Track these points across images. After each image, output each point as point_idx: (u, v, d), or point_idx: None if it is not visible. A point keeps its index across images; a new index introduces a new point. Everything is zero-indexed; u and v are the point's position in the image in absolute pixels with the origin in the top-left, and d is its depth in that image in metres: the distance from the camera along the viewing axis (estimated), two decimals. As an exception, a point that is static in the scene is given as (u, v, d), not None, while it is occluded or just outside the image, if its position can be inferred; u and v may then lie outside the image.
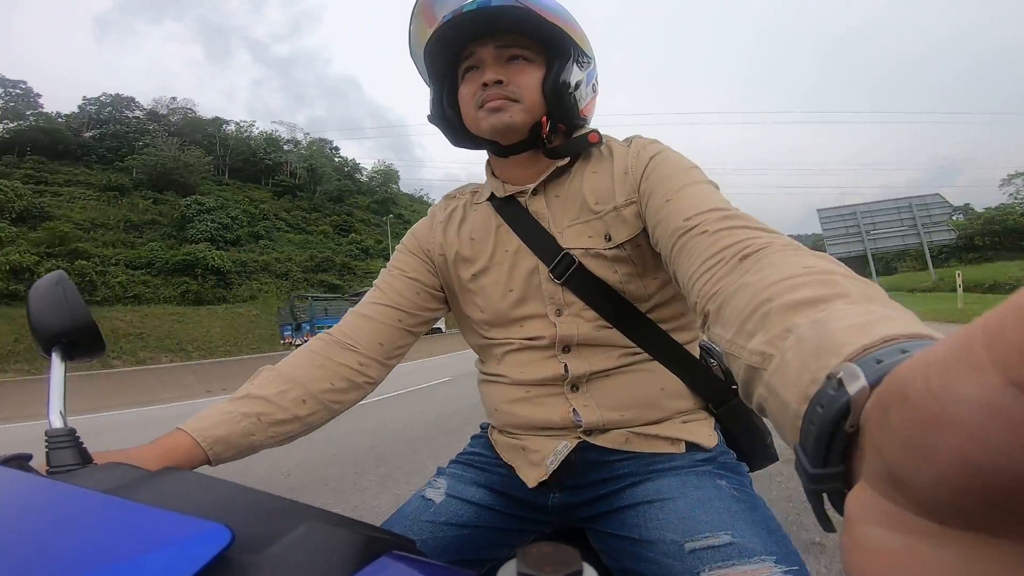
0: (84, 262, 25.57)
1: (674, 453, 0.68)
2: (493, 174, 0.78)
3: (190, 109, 55.12)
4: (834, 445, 0.21)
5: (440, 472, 0.79)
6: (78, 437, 0.48)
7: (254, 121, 62.26)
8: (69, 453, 0.47)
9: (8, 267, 23.12)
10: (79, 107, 48.48)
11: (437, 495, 0.73)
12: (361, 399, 0.75)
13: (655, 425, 0.68)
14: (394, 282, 0.78)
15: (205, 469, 0.59)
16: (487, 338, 0.76)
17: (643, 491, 0.65)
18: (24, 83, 45.48)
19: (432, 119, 0.77)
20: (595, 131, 0.73)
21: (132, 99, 51.80)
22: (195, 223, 33.99)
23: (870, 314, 0.27)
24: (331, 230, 45.62)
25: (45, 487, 0.37)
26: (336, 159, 63.05)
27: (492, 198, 0.77)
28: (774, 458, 0.79)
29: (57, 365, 0.51)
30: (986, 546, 0.14)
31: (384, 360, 0.75)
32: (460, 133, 0.76)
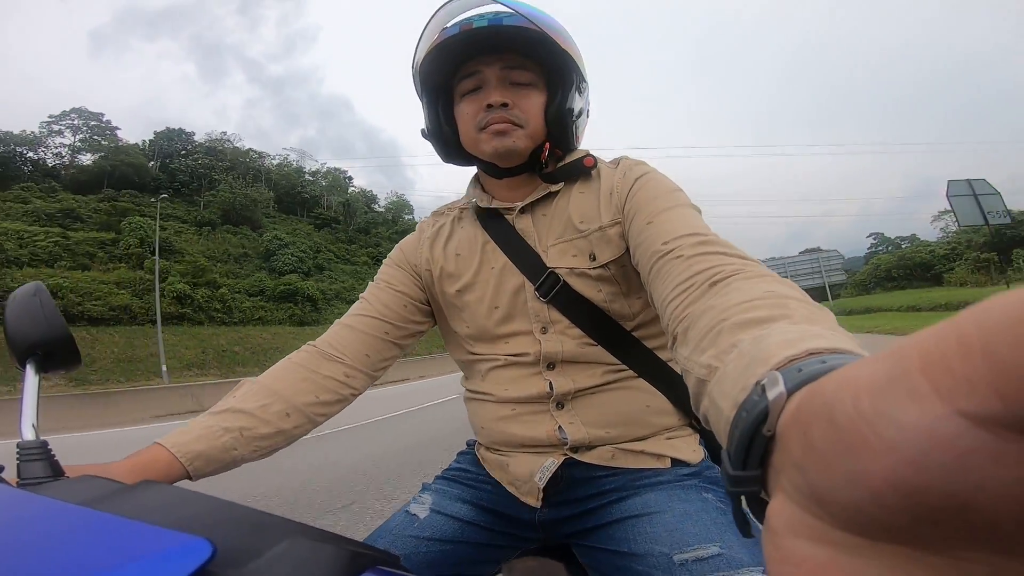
0: (223, 290, 32.67)
1: (660, 468, 0.68)
2: (482, 188, 0.79)
3: (236, 143, 60.80)
4: (753, 448, 0.22)
5: (425, 488, 0.78)
6: (50, 450, 0.47)
7: (288, 153, 67.66)
8: (40, 466, 0.45)
9: (174, 294, 30.14)
10: (150, 141, 54.16)
11: (422, 510, 0.72)
12: (344, 409, 0.76)
13: (640, 441, 0.69)
14: (381, 294, 0.79)
15: (185, 484, 0.58)
16: (472, 353, 0.77)
17: (630, 506, 0.65)
18: (103, 115, 51.31)
19: (426, 134, 0.77)
20: (589, 155, 0.75)
21: (192, 133, 57.75)
22: (278, 256, 41.05)
23: (805, 332, 0.29)
24: (369, 260, 52.67)
25: (17, 499, 0.36)
26: (351, 189, 68.32)
27: (477, 208, 0.77)
28: None
29: (31, 377, 0.51)
30: (912, 560, 0.14)
31: (370, 371, 0.76)
32: (453, 149, 0.76)
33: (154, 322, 28.09)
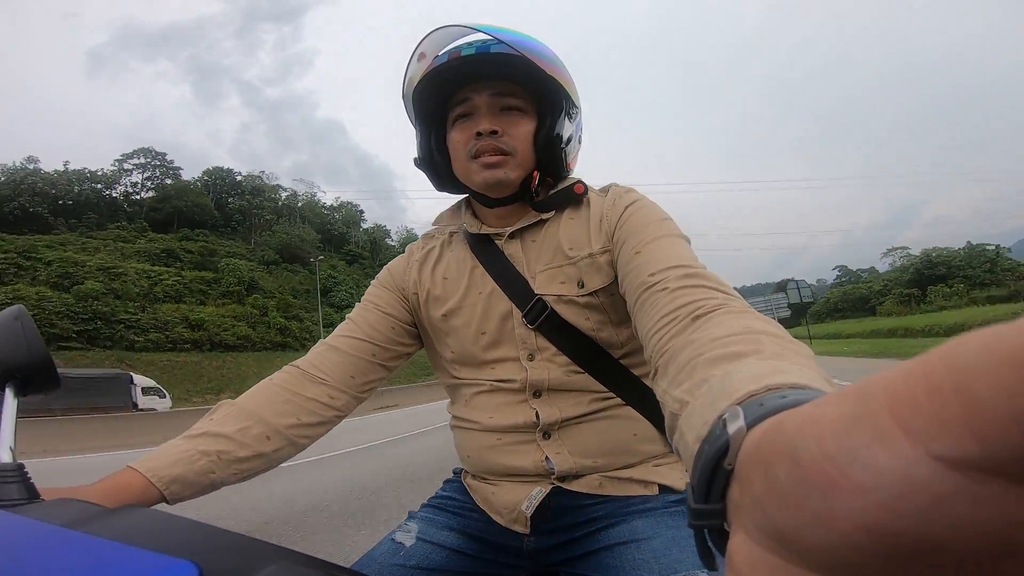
0: (307, 323, 39.71)
1: (648, 495, 0.68)
2: (473, 213, 0.78)
3: (270, 182, 65.94)
4: (715, 482, 0.22)
5: (412, 516, 0.77)
6: (26, 472, 0.47)
7: (316, 191, 73.27)
8: (16, 488, 0.45)
9: (277, 326, 37.20)
10: (203, 180, 59.60)
11: (408, 538, 0.71)
12: (329, 431, 0.74)
13: (628, 469, 0.69)
14: (368, 316, 0.78)
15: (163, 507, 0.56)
16: (457, 377, 0.77)
17: (618, 533, 0.65)
18: (165, 155, 57.16)
19: (419, 164, 0.77)
20: (580, 182, 0.74)
21: (237, 172, 63.54)
22: (334, 292, 47.87)
23: (771, 367, 0.30)
24: (396, 294, 59.48)
25: None
26: (363, 224, 72.56)
27: (470, 239, 0.77)
28: None
29: (10, 400, 0.51)
30: None
31: (355, 393, 0.75)
32: (446, 178, 0.76)
33: (268, 348, 35.40)
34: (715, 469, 0.22)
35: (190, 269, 40.62)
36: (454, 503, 0.77)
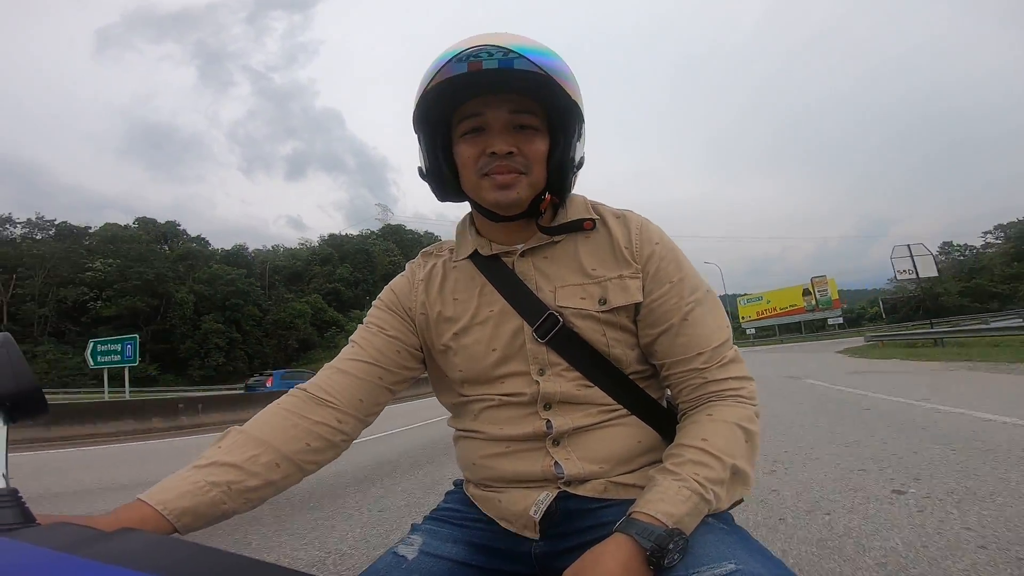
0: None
1: None
2: (477, 232, 0.77)
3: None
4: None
5: (415, 528, 0.75)
6: (20, 497, 0.46)
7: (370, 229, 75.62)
8: (11, 513, 0.44)
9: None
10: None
11: (410, 552, 0.69)
12: (335, 458, 0.73)
13: (631, 475, 0.70)
14: (373, 339, 0.77)
15: None
16: (464, 396, 0.76)
17: None
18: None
19: (423, 173, 0.74)
20: (589, 219, 0.74)
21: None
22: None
23: (661, 494, 0.56)
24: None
25: None
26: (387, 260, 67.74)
27: (475, 255, 0.76)
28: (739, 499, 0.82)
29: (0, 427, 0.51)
30: None
31: (363, 417, 0.74)
32: (451, 190, 0.73)
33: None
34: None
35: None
36: (458, 514, 0.77)
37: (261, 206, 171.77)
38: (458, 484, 0.82)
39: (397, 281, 0.82)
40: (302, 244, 74.90)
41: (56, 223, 53.58)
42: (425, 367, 0.81)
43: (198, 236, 63.15)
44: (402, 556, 0.68)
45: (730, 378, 0.69)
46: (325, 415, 0.71)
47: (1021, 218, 53.15)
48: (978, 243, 58.38)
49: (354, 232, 77.16)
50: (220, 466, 0.63)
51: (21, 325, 43.75)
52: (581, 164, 0.73)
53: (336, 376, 0.74)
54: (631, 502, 0.66)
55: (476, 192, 0.71)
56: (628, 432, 0.71)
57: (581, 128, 0.71)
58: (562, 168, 0.70)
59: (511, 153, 0.67)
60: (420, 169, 0.75)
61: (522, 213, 0.72)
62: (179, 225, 62.72)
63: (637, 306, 0.72)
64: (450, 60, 0.64)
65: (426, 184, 0.76)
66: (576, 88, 0.69)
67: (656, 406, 0.75)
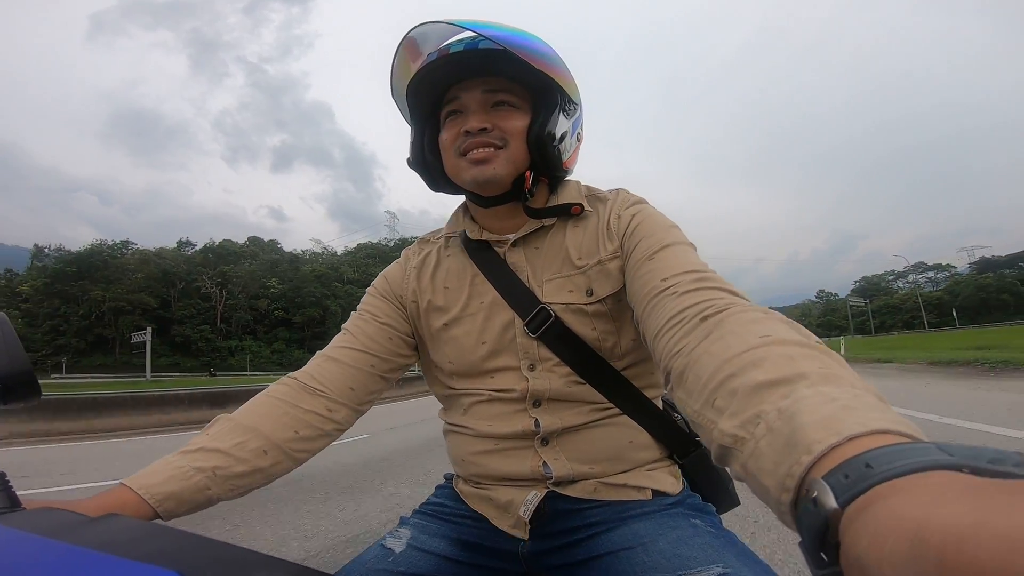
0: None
1: (642, 500, 0.68)
2: (472, 218, 0.77)
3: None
4: (826, 551, 0.24)
5: (403, 522, 0.75)
6: (8, 480, 0.46)
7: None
8: None
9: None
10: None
11: (398, 544, 0.69)
12: (327, 445, 0.72)
13: (622, 475, 0.69)
14: (366, 327, 0.76)
15: None
16: (453, 388, 0.75)
17: (619, 537, 0.63)
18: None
19: (412, 164, 0.75)
20: (579, 204, 0.72)
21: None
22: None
23: (832, 403, 0.31)
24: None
25: None
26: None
27: (466, 239, 0.75)
28: (736, 502, 0.80)
29: None
30: None
31: (355, 406, 0.73)
32: (440, 178, 0.74)
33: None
34: (823, 543, 0.25)
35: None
36: (447, 510, 0.76)
37: (241, 195, 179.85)
38: (448, 478, 0.82)
39: (391, 268, 0.83)
40: (324, 249, 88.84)
41: (198, 245, 77.71)
42: (418, 355, 0.81)
43: (292, 252, 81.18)
44: (389, 549, 0.68)
45: (713, 288, 0.52)
46: (315, 404, 0.70)
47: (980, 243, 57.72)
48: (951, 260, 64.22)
49: (374, 239, 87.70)
50: (206, 452, 0.62)
51: (227, 324, 68.21)
52: (564, 139, 0.70)
53: (327, 364, 0.73)
54: (622, 503, 0.67)
55: (456, 173, 0.70)
56: (619, 432, 0.70)
57: (566, 103, 0.70)
58: (541, 143, 0.68)
59: (484, 129, 0.67)
60: (408, 160, 0.76)
61: (507, 193, 0.71)
62: (279, 243, 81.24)
63: (625, 288, 0.68)
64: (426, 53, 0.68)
65: (417, 178, 0.77)
66: (551, 64, 0.68)
67: (651, 406, 0.72)
